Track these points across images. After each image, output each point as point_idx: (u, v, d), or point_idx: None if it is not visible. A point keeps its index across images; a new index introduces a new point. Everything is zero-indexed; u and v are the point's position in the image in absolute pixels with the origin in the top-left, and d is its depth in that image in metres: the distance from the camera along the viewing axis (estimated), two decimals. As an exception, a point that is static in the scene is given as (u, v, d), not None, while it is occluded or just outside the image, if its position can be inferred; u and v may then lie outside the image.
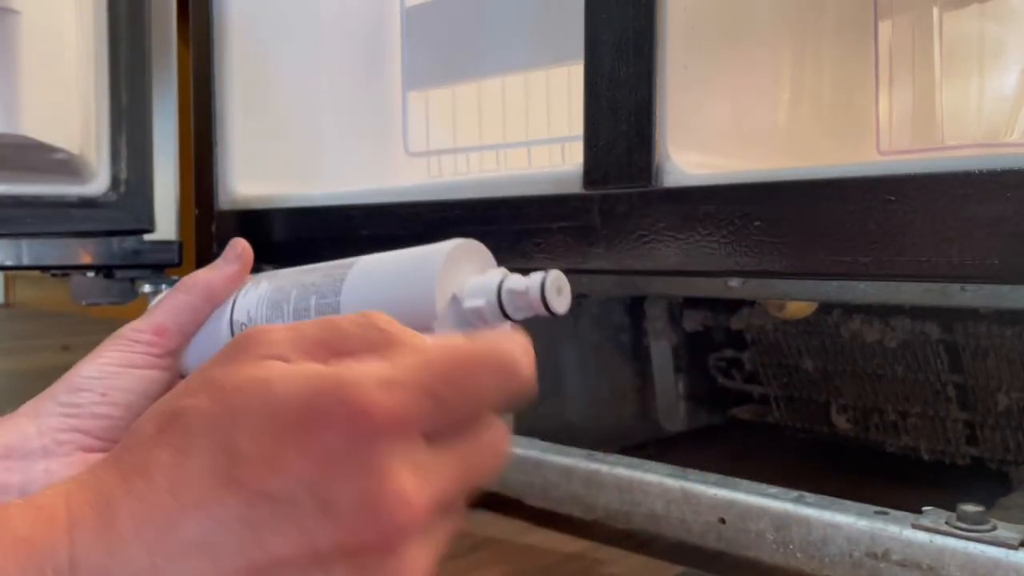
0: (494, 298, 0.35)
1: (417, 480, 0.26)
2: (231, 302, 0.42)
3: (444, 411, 0.28)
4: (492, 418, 0.30)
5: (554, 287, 0.34)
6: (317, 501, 0.26)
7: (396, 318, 0.31)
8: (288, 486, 0.26)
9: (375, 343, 0.29)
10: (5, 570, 0.25)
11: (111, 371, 0.40)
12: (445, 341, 0.29)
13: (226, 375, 0.28)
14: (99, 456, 0.37)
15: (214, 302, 0.42)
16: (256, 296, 0.41)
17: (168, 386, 0.41)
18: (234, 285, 0.42)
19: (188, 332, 0.42)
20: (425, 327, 0.33)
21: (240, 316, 0.41)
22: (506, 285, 0.35)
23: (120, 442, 0.30)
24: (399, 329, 0.30)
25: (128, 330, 0.41)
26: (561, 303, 0.35)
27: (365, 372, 0.27)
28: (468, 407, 0.29)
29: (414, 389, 0.27)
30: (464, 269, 0.37)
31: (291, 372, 0.27)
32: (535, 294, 0.34)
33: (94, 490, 0.27)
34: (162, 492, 0.27)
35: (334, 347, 0.29)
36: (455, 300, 0.35)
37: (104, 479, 0.28)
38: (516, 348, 0.29)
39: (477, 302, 0.35)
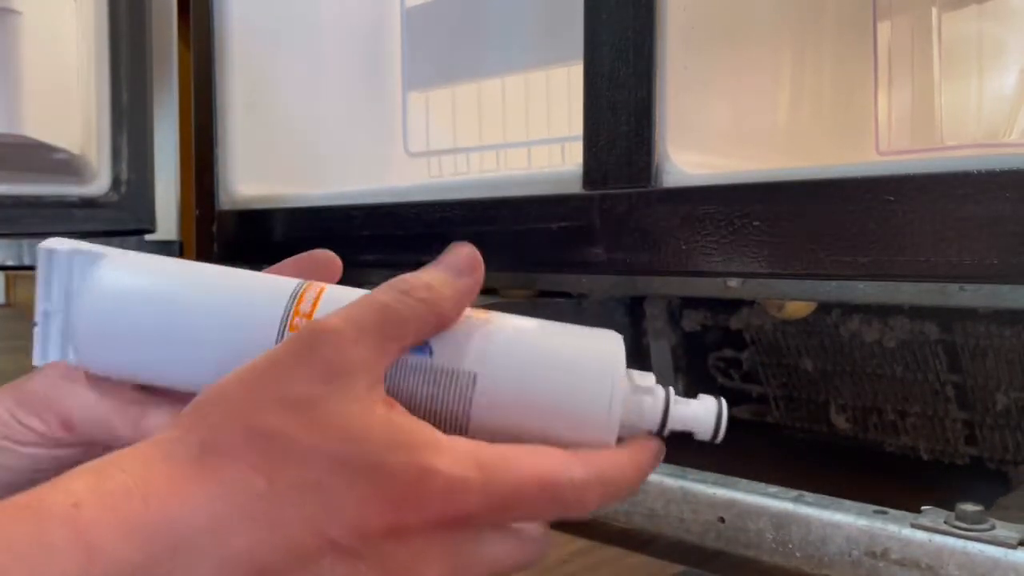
0: (658, 419, 0.34)
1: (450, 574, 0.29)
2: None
3: (504, 519, 0.30)
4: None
5: (724, 418, 0.35)
6: (372, 561, 0.28)
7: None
8: (344, 537, 0.27)
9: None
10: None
11: None
12: (537, 464, 0.30)
13: (328, 411, 0.28)
14: None
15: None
16: None
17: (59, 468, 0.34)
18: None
19: (98, 432, 0.36)
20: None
21: None
22: (674, 412, 0.34)
23: (194, 428, 0.29)
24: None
25: (16, 407, 0.36)
26: (723, 431, 0.35)
27: (463, 477, 0.28)
28: (526, 518, 0.31)
29: (491, 496, 0.29)
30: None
31: (397, 442, 0.28)
32: (708, 426, 0.35)
33: (170, 490, 0.27)
34: (253, 524, 0.27)
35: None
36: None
37: (181, 480, 0.27)
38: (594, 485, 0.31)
39: (644, 426, 0.34)
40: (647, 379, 0.35)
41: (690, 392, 0.35)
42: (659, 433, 0.35)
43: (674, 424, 0.34)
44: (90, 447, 0.37)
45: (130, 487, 0.26)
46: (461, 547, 0.29)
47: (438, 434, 0.29)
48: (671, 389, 0.35)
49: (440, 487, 0.28)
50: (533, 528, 0.32)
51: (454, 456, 0.28)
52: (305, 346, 0.29)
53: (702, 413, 0.34)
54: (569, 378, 0.32)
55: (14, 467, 0.36)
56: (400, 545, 0.28)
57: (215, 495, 0.27)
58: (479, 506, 0.29)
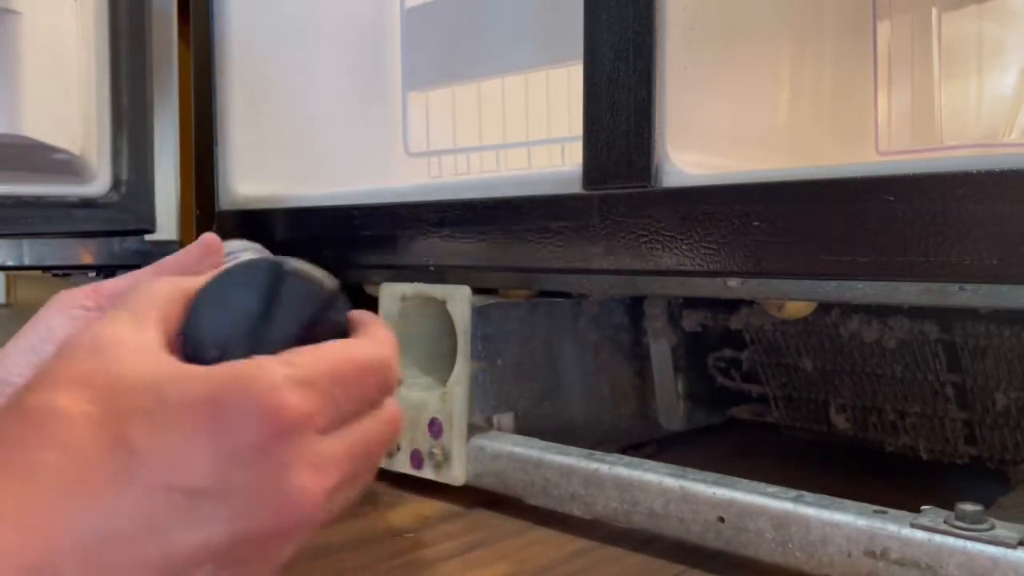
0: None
1: (316, 473, 0.29)
2: None
3: (340, 411, 0.30)
4: (384, 401, 0.33)
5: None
6: (221, 494, 0.27)
7: None
8: (192, 480, 0.27)
9: None
10: None
11: None
12: (345, 349, 0.32)
13: (107, 375, 0.28)
14: None
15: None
16: None
17: None
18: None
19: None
20: None
21: None
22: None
23: None
24: None
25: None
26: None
27: (276, 373, 0.29)
28: (359, 405, 0.32)
29: (318, 392, 0.29)
30: None
31: (188, 375, 0.28)
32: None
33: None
34: (52, 491, 0.26)
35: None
36: None
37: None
38: (394, 350, 0.34)
39: None
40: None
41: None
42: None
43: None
44: None
45: None
46: (328, 448, 0.30)
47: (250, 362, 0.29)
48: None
49: (268, 393, 0.28)
50: (390, 403, 0.33)
51: (270, 365, 0.29)
52: (90, 341, 0.30)
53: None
54: None
55: None
56: (247, 469, 0.28)
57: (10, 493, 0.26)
58: (320, 393, 0.29)
